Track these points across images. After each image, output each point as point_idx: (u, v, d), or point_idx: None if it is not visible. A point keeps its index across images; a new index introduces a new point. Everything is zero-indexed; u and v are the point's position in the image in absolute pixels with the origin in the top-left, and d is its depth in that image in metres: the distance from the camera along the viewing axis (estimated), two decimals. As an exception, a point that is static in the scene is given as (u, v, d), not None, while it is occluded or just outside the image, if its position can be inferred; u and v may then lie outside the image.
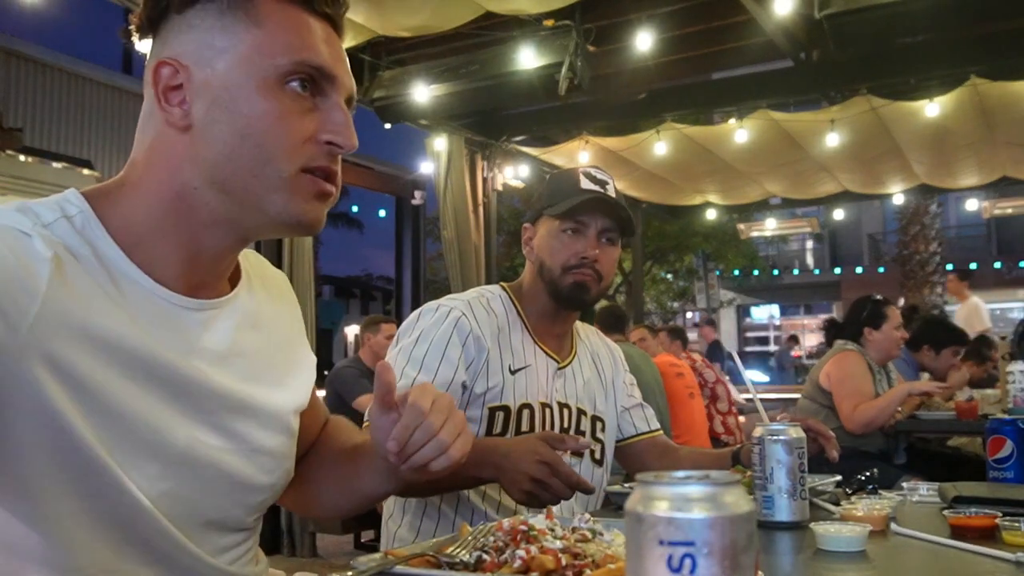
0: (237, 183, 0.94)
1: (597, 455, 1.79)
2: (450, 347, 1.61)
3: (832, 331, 3.94)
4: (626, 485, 1.75)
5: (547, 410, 1.71)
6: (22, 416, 0.82)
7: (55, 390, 0.82)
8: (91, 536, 0.87)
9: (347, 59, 1.01)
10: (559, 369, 1.77)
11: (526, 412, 1.67)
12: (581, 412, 1.78)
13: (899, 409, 3.61)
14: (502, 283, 1.82)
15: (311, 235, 0.96)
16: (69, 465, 0.84)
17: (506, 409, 1.65)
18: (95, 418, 0.85)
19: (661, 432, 1.94)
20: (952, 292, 7.69)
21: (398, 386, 1.56)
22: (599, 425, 1.82)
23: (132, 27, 0.99)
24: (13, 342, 0.80)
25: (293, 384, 1.10)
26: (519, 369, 1.69)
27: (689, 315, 24.22)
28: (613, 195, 1.72)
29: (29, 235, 0.85)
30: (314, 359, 1.19)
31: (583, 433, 1.77)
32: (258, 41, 0.94)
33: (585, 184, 1.72)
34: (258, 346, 1.05)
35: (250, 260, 1.14)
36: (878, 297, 3.85)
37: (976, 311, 7.97)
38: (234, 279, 1.07)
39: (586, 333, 1.93)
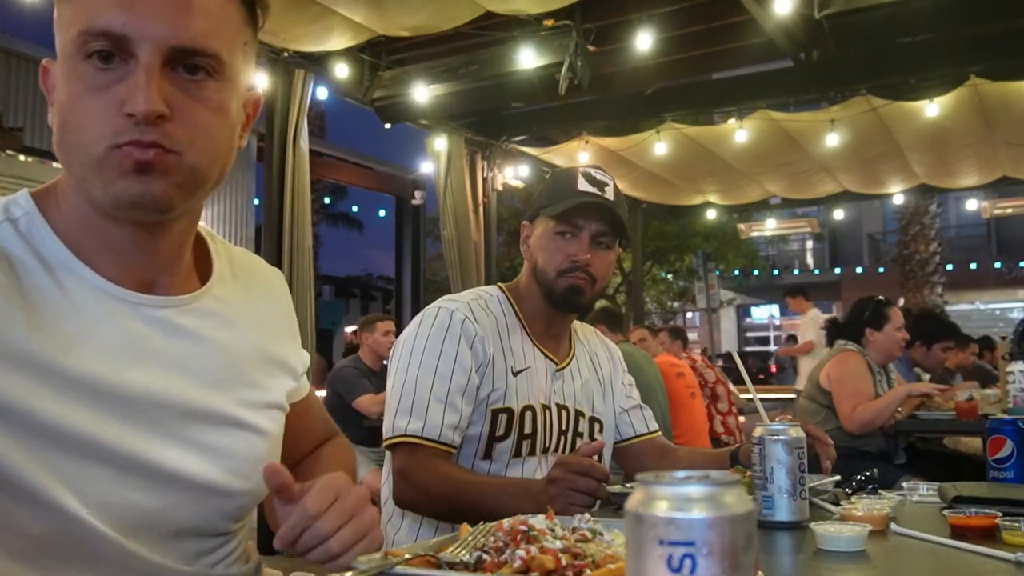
0: (74, 173, 0.90)
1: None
2: (460, 352, 1.60)
3: (833, 331, 3.94)
4: (627, 485, 1.75)
5: (547, 412, 1.70)
6: None
7: None
8: (22, 555, 0.83)
9: (174, 9, 0.86)
10: (557, 371, 1.76)
11: (528, 414, 1.66)
12: (579, 414, 1.78)
13: (899, 410, 3.61)
14: (500, 283, 1.81)
15: (150, 215, 0.90)
16: None
17: (509, 411, 1.64)
18: (9, 434, 0.81)
19: (660, 433, 1.94)
20: (795, 309, 8.91)
21: (411, 397, 1.56)
22: (597, 426, 1.81)
23: None
24: None
25: (270, 384, 1.05)
26: (521, 371, 1.68)
27: (689, 315, 24.21)
28: (612, 197, 1.69)
29: None
30: (306, 358, 1.14)
31: (581, 435, 1.77)
32: (68, 19, 0.88)
33: (583, 186, 1.69)
34: (229, 344, 1.00)
35: (235, 256, 1.09)
36: (880, 298, 3.85)
37: (815, 319, 8.74)
38: (206, 276, 1.03)
39: (585, 334, 1.92)
